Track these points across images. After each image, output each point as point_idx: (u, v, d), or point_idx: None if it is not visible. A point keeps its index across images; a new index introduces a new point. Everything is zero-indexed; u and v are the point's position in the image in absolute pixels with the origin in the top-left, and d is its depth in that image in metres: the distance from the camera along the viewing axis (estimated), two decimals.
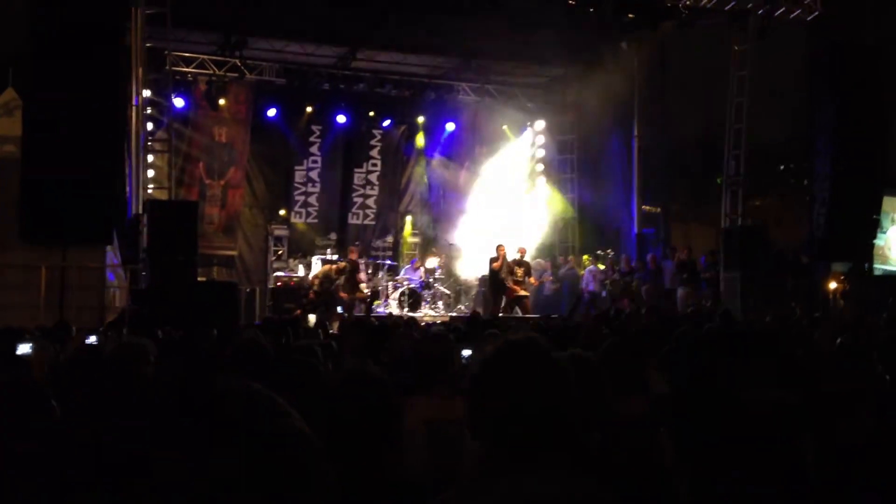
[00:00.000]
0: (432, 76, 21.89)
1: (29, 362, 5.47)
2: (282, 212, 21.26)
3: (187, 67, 19.54)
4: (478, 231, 22.42)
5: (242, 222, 20.81)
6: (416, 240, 22.64)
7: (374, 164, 22.51)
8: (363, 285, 18.55)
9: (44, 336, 7.14)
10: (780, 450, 2.92)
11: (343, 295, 17.71)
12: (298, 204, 21.62)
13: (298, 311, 16.76)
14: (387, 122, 22.23)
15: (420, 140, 22.83)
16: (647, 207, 22.08)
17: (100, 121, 13.44)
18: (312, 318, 14.84)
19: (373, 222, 22.48)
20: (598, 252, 21.31)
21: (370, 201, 22.46)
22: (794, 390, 3.39)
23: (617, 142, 22.43)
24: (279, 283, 19.55)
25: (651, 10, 18.24)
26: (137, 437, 1.45)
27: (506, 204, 23.32)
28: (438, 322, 14.20)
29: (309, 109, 21.11)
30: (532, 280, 18.06)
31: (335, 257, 19.78)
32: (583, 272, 20.63)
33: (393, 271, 20.64)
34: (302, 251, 20.86)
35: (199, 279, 16.32)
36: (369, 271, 20.11)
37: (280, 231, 20.91)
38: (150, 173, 17.54)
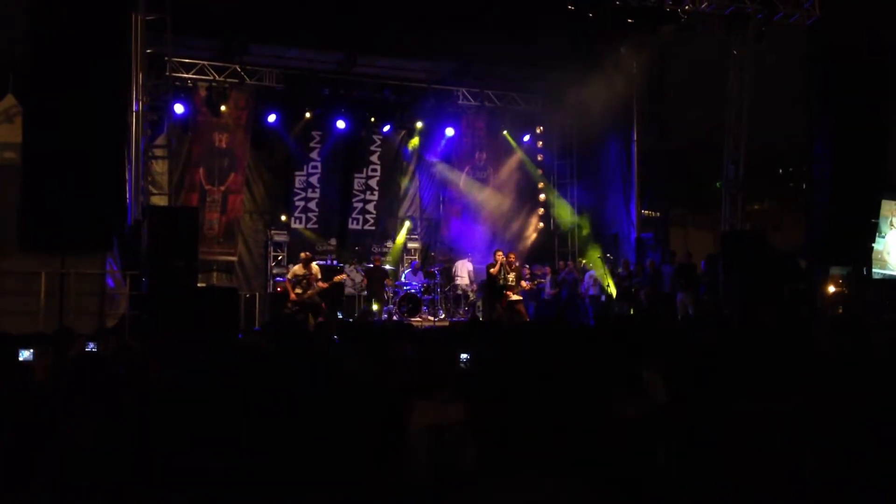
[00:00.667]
0: (432, 82, 21.91)
1: (30, 368, 5.49)
2: (282, 217, 21.26)
3: (187, 73, 19.57)
4: (477, 236, 22.49)
5: (242, 228, 20.83)
6: (415, 245, 22.65)
7: (374, 170, 22.52)
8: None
9: (45, 342, 7.15)
10: (776, 456, 2.93)
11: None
12: (298, 209, 21.63)
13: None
14: (387, 128, 22.25)
15: (419, 144, 22.84)
16: (647, 212, 22.10)
17: (100, 127, 13.45)
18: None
19: (373, 228, 22.48)
20: (598, 257, 21.28)
21: (370, 207, 22.47)
22: (788, 398, 3.39)
23: (616, 146, 22.46)
24: (279, 289, 19.56)
25: (650, 14, 18.26)
26: None
27: (505, 209, 23.37)
28: (437, 327, 14.25)
29: (309, 115, 21.12)
30: (524, 284, 18.08)
31: (335, 262, 19.89)
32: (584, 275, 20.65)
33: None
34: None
35: (199, 285, 16.31)
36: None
37: (280, 236, 20.93)
38: (151, 179, 17.55)
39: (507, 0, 17.01)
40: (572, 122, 23.10)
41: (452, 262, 21.64)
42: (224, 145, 20.22)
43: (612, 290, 20.39)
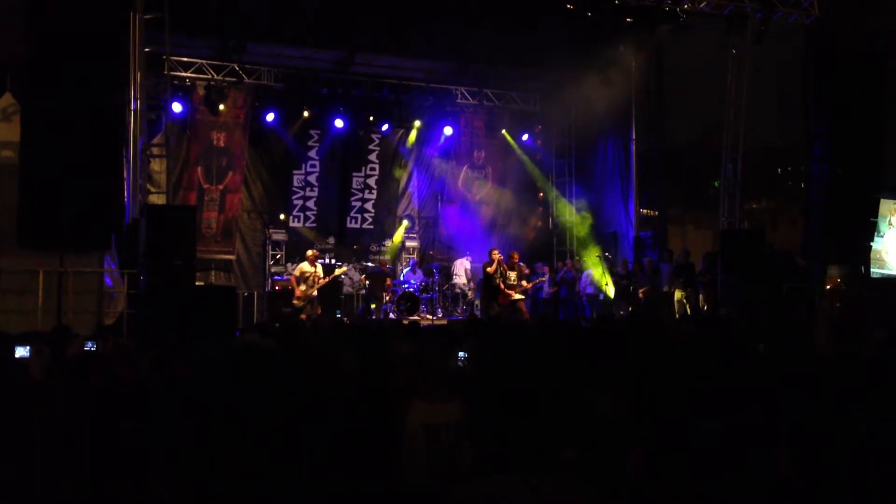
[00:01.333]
0: (430, 80, 21.91)
1: (27, 365, 5.50)
2: (280, 216, 21.26)
3: (186, 72, 19.56)
4: (475, 235, 22.49)
5: (241, 227, 20.82)
6: (414, 244, 22.66)
7: (373, 169, 22.53)
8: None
9: (42, 340, 7.16)
10: (747, 467, 2.94)
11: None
12: (297, 208, 21.62)
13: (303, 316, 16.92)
14: (385, 127, 22.23)
15: (417, 143, 22.84)
16: (645, 211, 22.11)
17: (98, 126, 13.47)
18: None
19: (371, 226, 22.49)
20: (597, 256, 21.30)
21: (368, 205, 22.47)
22: (758, 411, 3.38)
23: (615, 145, 22.47)
24: (277, 288, 19.57)
25: (649, 13, 18.27)
26: None
27: (503, 208, 23.38)
28: (435, 325, 14.27)
29: (307, 114, 21.11)
30: (525, 283, 18.11)
31: (335, 261, 19.93)
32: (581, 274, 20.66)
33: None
34: (300, 255, 20.85)
35: (197, 283, 16.32)
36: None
37: (278, 235, 20.92)
38: (149, 178, 17.54)
39: None
40: (571, 121, 23.10)
41: (450, 260, 21.66)
42: (222, 144, 20.21)
43: (609, 290, 20.40)
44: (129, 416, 4.10)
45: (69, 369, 4.52)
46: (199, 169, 20.03)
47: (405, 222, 22.74)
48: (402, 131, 22.71)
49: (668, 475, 3.05)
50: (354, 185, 22.34)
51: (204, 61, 19.70)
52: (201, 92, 19.80)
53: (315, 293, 17.34)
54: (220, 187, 20.24)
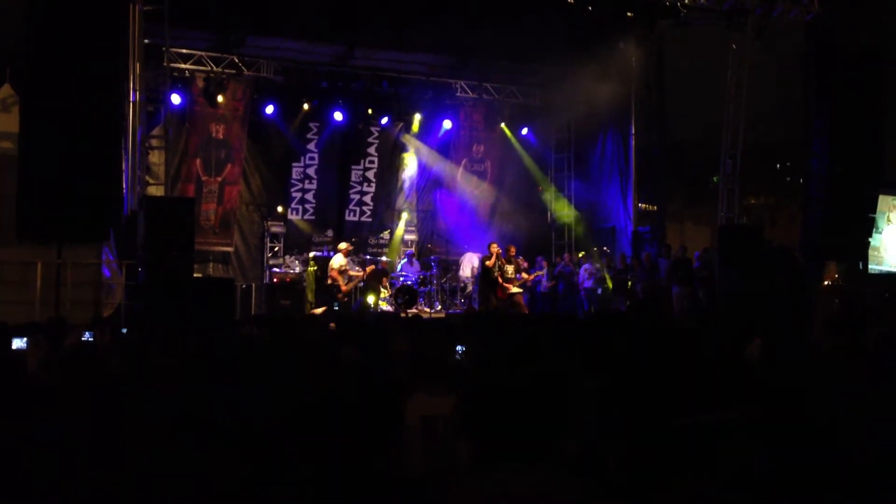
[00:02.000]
0: (430, 74, 21.89)
1: (23, 357, 5.49)
2: (278, 208, 21.24)
3: (185, 64, 19.53)
4: (473, 228, 22.50)
5: (239, 219, 20.80)
6: (412, 237, 22.66)
7: (372, 162, 22.50)
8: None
9: (38, 332, 7.15)
10: (722, 463, 2.94)
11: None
12: (295, 201, 21.60)
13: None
14: (384, 120, 22.20)
15: (416, 137, 22.80)
16: (644, 205, 22.13)
17: (97, 117, 13.47)
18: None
19: (369, 219, 22.48)
20: (595, 249, 21.32)
21: (367, 198, 22.45)
22: (735, 410, 3.36)
23: (614, 140, 22.48)
24: (275, 280, 19.57)
25: (649, 8, 18.26)
26: None
27: (502, 201, 23.37)
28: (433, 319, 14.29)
29: (306, 107, 21.07)
30: (525, 276, 18.12)
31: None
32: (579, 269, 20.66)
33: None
34: (298, 248, 20.88)
35: (195, 275, 16.32)
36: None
37: (276, 228, 20.90)
38: (147, 170, 17.53)
39: None
40: (570, 115, 23.04)
41: (449, 253, 21.65)
42: (221, 136, 20.19)
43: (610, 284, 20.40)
44: (116, 409, 4.10)
45: (64, 361, 4.53)
46: (197, 161, 20.00)
47: (405, 215, 22.74)
48: (401, 124, 22.68)
49: (642, 471, 3.04)
50: (353, 178, 22.31)
51: (203, 53, 19.66)
52: (200, 84, 19.77)
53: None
54: (219, 179, 20.22)
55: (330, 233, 21.37)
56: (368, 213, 22.47)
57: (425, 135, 22.90)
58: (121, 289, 14.20)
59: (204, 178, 20.05)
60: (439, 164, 23.10)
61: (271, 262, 20.51)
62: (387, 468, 4.58)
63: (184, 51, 19.34)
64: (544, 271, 20.46)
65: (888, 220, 18.05)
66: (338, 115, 21.31)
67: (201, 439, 4.04)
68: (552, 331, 7.82)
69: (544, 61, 21.03)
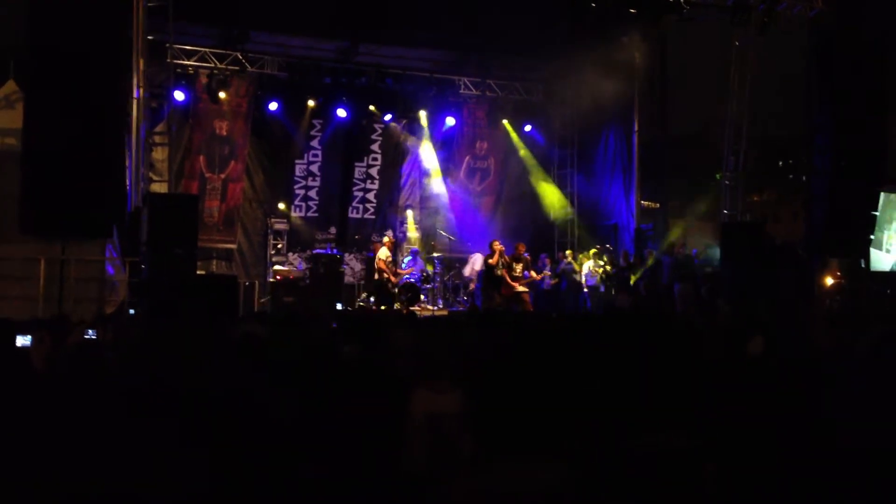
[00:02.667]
0: (433, 71, 21.88)
1: (27, 354, 5.50)
2: (281, 206, 21.24)
3: (188, 60, 19.53)
4: (476, 226, 22.49)
5: (242, 216, 20.81)
6: (415, 234, 22.66)
7: (375, 159, 22.49)
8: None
9: (42, 328, 7.16)
10: (671, 484, 2.93)
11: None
12: (298, 198, 21.61)
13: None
14: (388, 117, 22.19)
15: (420, 133, 22.78)
16: (647, 202, 22.11)
17: (100, 114, 13.47)
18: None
19: (373, 216, 22.47)
20: (598, 247, 21.29)
21: (370, 195, 22.45)
22: (684, 430, 3.32)
23: (617, 136, 22.44)
24: (278, 277, 19.58)
25: (653, 4, 18.24)
26: None
27: (505, 198, 23.36)
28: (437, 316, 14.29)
29: (310, 103, 21.06)
30: (534, 274, 18.09)
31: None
32: (580, 267, 20.65)
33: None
34: (301, 245, 20.89)
35: (198, 272, 16.34)
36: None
37: (279, 225, 20.91)
38: (151, 166, 17.55)
39: None
40: (573, 111, 23.01)
41: (451, 251, 21.64)
42: (224, 133, 20.19)
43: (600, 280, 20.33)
44: (120, 407, 4.11)
45: (68, 358, 4.54)
46: (201, 157, 20.01)
47: (409, 213, 22.75)
48: (404, 121, 22.67)
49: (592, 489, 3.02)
50: (356, 175, 22.31)
51: (207, 49, 19.66)
52: (204, 80, 19.77)
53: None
54: (222, 176, 20.23)
55: (333, 230, 21.35)
56: (371, 210, 22.46)
57: (429, 131, 22.87)
58: (124, 286, 14.21)
59: (207, 175, 20.06)
60: (443, 161, 23.08)
61: (274, 259, 20.53)
62: (390, 465, 4.59)
63: (187, 47, 19.35)
64: (548, 269, 20.45)
65: (890, 218, 18.02)
66: (341, 112, 21.31)
67: (204, 436, 4.06)
68: (556, 329, 7.82)
69: (548, 58, 21.02)
